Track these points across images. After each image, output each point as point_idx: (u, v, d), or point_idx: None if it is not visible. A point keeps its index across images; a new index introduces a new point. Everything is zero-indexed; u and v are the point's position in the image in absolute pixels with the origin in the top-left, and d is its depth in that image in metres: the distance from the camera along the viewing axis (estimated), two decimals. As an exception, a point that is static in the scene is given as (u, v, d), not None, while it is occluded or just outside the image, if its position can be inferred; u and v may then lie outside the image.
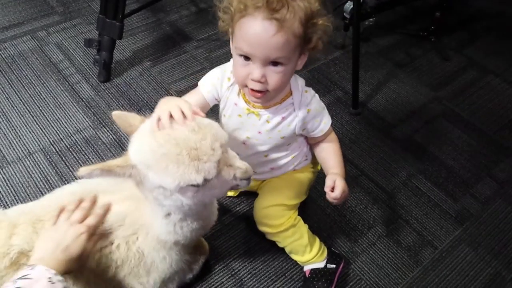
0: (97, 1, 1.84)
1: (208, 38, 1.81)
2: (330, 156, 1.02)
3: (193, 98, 0.97)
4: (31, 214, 0.88)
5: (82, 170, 0.70)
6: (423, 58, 1.82)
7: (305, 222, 1.10)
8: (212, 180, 0.74)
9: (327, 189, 0.94)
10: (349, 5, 1.65)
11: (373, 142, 1.49)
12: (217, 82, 0.96)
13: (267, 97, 0.88)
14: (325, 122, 0.98)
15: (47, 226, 0.84)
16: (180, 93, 1.53)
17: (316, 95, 0.97)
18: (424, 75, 1.75)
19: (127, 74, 1.63)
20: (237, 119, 0.97)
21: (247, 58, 0.82)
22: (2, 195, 1.24)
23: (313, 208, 1.28)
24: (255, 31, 0.77)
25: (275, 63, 0.81)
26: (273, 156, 1.04)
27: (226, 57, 1.70)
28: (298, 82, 0.94)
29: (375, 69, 1.75)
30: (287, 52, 0.80)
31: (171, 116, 0.74)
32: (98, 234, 0.85)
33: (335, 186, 0.93)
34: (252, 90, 0.85)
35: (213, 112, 1.03)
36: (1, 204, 1.21)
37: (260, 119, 0.95)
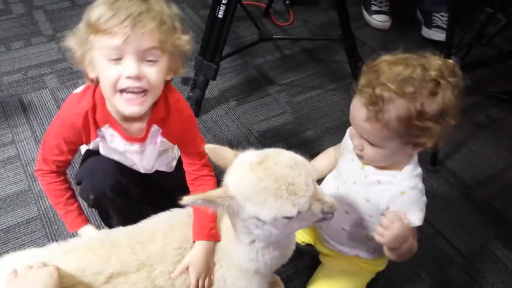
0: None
1: (290, 83, 1.90)
2: None
3: (324, 156, 1.14)
4: (130, 236, 0.97)
5: (186, 199, 0.77)
6: (504, 121, 1.81)
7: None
8: (303, 213, 0.80)
9: (384, 221, 0.87)
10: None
11: (450, 202, 1.49)
12: (344, 139, 1.05)
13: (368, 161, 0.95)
14: (410, 218, 0.90)
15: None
16: (262, 134, 1.62)
17: (424, 195, 0.94)
18: (504, 138, 1.74)
19: (214, 112, 1.74)
20: (349, 163, 1.02)
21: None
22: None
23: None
24: (353, 107, 0.90)
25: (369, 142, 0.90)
26: (352, 217, 1.03)
27: (306, 103, 1.78)
28: (417, 170, 0.95)
29: (455, 129, 1.76)
30: (375, 138, 0.88)
31: None
32: None
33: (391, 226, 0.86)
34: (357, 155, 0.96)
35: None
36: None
37: (363, 168, 0.97)
